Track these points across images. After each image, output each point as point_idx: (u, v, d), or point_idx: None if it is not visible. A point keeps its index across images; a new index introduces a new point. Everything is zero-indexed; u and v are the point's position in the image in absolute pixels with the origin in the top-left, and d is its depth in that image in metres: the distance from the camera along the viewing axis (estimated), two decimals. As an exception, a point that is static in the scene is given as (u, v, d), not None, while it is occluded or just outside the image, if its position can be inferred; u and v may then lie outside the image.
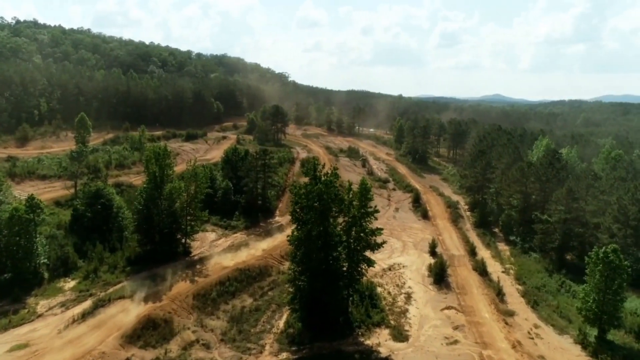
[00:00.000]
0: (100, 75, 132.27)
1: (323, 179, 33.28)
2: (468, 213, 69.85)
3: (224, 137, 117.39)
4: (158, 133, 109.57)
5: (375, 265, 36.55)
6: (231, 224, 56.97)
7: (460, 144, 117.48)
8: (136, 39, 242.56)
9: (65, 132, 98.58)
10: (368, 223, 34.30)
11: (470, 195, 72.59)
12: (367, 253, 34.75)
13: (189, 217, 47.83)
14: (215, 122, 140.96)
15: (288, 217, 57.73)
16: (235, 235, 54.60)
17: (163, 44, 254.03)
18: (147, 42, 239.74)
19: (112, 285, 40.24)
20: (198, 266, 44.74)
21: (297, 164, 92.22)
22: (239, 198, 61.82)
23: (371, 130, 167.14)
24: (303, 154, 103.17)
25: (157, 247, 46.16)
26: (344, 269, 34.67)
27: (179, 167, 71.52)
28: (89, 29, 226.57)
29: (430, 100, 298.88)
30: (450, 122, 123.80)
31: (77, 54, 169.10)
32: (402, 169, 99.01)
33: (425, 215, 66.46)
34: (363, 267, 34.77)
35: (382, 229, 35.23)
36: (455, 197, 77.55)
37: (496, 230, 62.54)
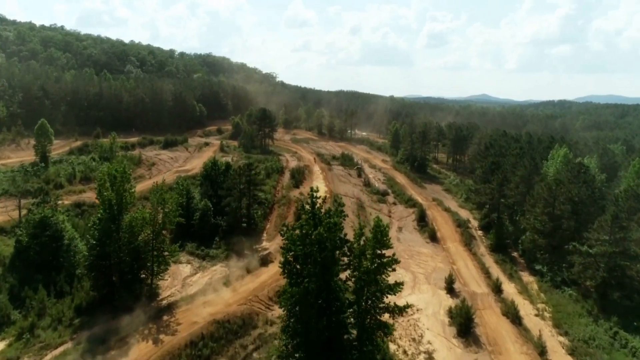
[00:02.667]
0: (70, 76, 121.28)
1: (324, 220, 24.72)
2: (480, 232, 61.96)
3: (207, 144, 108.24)
4: (133, 140, 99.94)
5: (393, 332, 28.14)
6: (210, 254, 48.25)
7: (461, 150, 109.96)
8: (125, 39, 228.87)
9: (27, 140, 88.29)
10: (385, 277, 25.87)
11: (482, 212, 64.66)
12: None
13: (155, 253, 38.97)
14: (198, 126, 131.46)
15: (277, 242, 49.16)
16: (214, 268, 45.85)
17: (153, 44, 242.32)
18: (126, 41, 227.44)
19: (52, 348, 31.59)
20: (165, 317, 35.95)
21: (287, 174, 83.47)
22: (219, 220, 53.07)
23: (364, 134, 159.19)
24: (293, 162, 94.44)
25: (116, 291, 37.56)
26: (353, 336, 26.23)
27: (151, 182, 62.43)
28: (62, 26, 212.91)
29: (419, 100, 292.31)
30: (450, 127, 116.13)
31: (45, 53, 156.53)
32: (400, 179, 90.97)
33: (433, 237, 58.27)
34: (378, 334, 26.29)
35: (402, 284, 26.73)
36: (462, 212, 69.66)
37: (515, 255, 54.72)
